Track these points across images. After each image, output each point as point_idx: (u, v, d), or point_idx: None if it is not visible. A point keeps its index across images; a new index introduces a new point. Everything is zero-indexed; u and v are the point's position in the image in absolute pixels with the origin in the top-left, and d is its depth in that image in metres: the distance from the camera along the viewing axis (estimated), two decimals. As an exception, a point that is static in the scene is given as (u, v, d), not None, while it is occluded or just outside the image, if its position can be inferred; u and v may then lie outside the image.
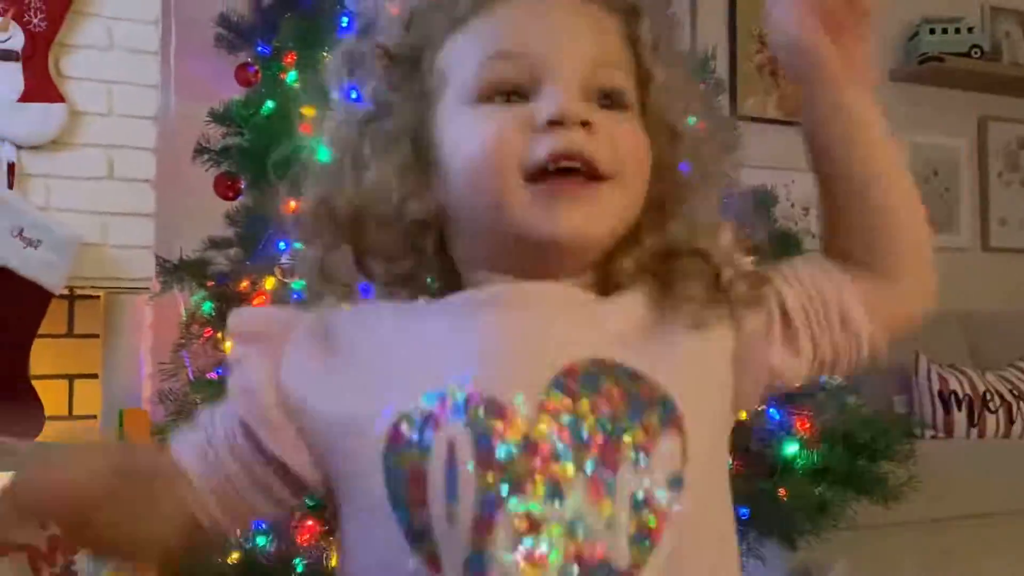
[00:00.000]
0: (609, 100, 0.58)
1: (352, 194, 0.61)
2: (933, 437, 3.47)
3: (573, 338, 0.57)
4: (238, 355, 0.59)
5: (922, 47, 4.06)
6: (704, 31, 3.99)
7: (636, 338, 0.59)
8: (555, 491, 0.50)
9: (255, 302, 2.54)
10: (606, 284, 0.61)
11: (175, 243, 2.69)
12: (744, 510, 2.22)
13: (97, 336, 2.30)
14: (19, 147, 2.10)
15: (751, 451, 2.29)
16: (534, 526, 0.50)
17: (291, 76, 2.54)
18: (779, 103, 4.15)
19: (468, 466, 0.50)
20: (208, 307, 2.74)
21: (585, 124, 0.55)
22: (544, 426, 0.52)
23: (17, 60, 2.09)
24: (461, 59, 0.59)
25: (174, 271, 2.67)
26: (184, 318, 2.77)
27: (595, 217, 0.56)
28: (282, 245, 2.45)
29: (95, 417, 2.19)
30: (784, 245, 2.46)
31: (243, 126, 2.66)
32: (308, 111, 2.52)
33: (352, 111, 0.64)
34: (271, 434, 0.57)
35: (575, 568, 0.50)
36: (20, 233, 2.04)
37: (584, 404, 0.53)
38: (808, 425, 2.35)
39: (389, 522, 0.51)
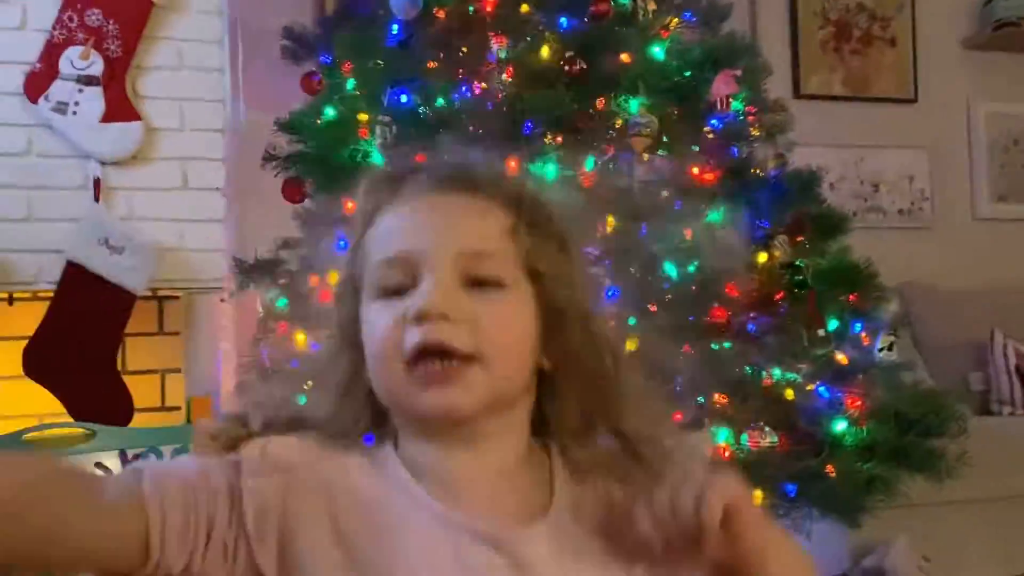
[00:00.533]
0: (481, 284, 0.66)
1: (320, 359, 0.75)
2: (1011, 413, 3.39)
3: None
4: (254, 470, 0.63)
5: (997, 13, 3.93)
6: (765, 11, 3.96)
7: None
8: None
9: (322, 297, 2.72)
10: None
11: (250, 246, 2.89)
12: (791, 487, 2.26)
13: (178, 333, 2.51)
14: (103, 163, 2.32)
15: (798, 429, 2.31)
16: None
17: (349, 84, 2.69)
18: (845, 80, 4.08)
19: None
20: (282, 303, 2.92)
21: (444, 316, 0.64)
22: None
23: (98, 84, 2.29)
24: (365, 263, 0.69)
25: (250, 271, 2.87)
26: (260, 314, 2.97)
27: (460, 395, 0.64)
28: (343, 243, 2.62)
29: (180, 408, 2.38)
30: (829, 224, 2.48)
31: (306, 133, 2.83)
32: (363, 117, 2.68)
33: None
34: (260, 548, 0.61)
35: None
36: (106, 242, 2.25)
37: None
38: (858, 403, 2.35)
39: None
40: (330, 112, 2.74)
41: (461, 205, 0.68)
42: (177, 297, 2.50)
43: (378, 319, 0.67)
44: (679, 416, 2.18)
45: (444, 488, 0.66)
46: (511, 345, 0.67)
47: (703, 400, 2.22)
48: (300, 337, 2.78)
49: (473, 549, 0.64)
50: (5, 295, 2.44)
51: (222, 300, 2.57)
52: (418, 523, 0.64)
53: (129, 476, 0.59)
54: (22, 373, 2.28)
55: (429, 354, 0.64)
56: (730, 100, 2.62)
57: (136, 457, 1.49)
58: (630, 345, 2.28)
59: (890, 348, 2.59)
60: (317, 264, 2.78)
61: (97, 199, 2.30)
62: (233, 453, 0.63)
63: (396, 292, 0.66)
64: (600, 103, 2.39)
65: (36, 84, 2.26)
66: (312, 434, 0.68)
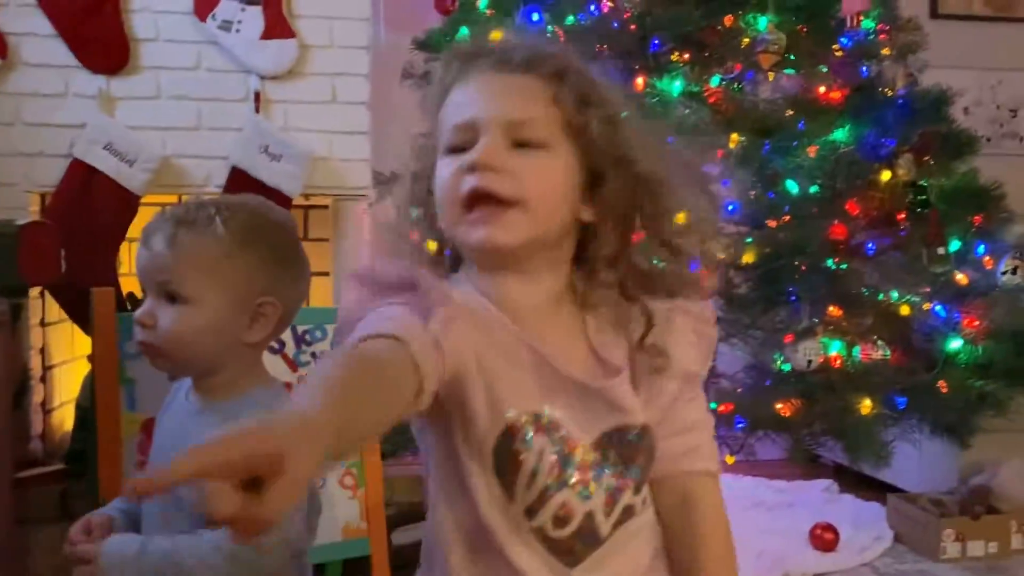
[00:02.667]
0: (525, 146, 0.79)
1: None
2: None
3: (628, 408, 0.83)
4: (440, 318, 0.75)
5: None
6: (904, -72, 3.81)
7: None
8: (585, 496, 0.81)
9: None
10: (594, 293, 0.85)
11: (387, 159, 3.09)
12: (901, 400, 2.32)
13: (327, 240, 2.74)
14: (262, 77, 2.53)
15: (912, 345, 2.36)
16: (566, 508, 0.80)
17: (482, 3, 2.80)
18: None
19: (546, 468, 0.79)
20: (415, 213, 3.13)
21: (491, 168, 0.78)
22: (590, 457, 0.81)
23: (258, 4, 2.49)
24: (442, 128, 0.83)
25: (387, 183, 3.08)
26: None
27: (501, 233, 0.78)
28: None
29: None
30: (956, 145, 2.46)
31: (442, 51, 2.97)
32: (496, 35, 2.80)
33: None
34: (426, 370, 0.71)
35: (579, 531, 0.80)
36: (266, 149, 2.48)
37: (622, 450, 0.82)
38: (976, 322, 2.37)
39: (488, 473, 0.79)
40: (464, 30, 2.88)
41: (511, 82, 0.82)
42: (324, 207, 2.72)
43: (444, 170, 0.81)
44: (790, 336, 2.27)
45: (505, 310, 0.81)
46: (548, 193, 0.79)
47: (817, 312, 2.29)
48: (431, 244, 3.00)
49: (581, 395, 0.81)
50: (174, 198, 2.72)
51: (369, 205, 2.78)
52: (522, 356, 0.80)
53: (397, 347, 0.68)
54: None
55: (479, 199, 0.78)
56: (861, 18, 2.61)
57: (305, 332, 1.71)
58: (747, 258, 2.37)
59: (1014, 272, 2.58)
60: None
61: (257, 111, 2.52)
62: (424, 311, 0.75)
63: (461, 150, 0.80)
64: (728, 20, 2.43)
65: (204, 3, 2.48)
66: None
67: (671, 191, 0.83)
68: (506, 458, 0.78)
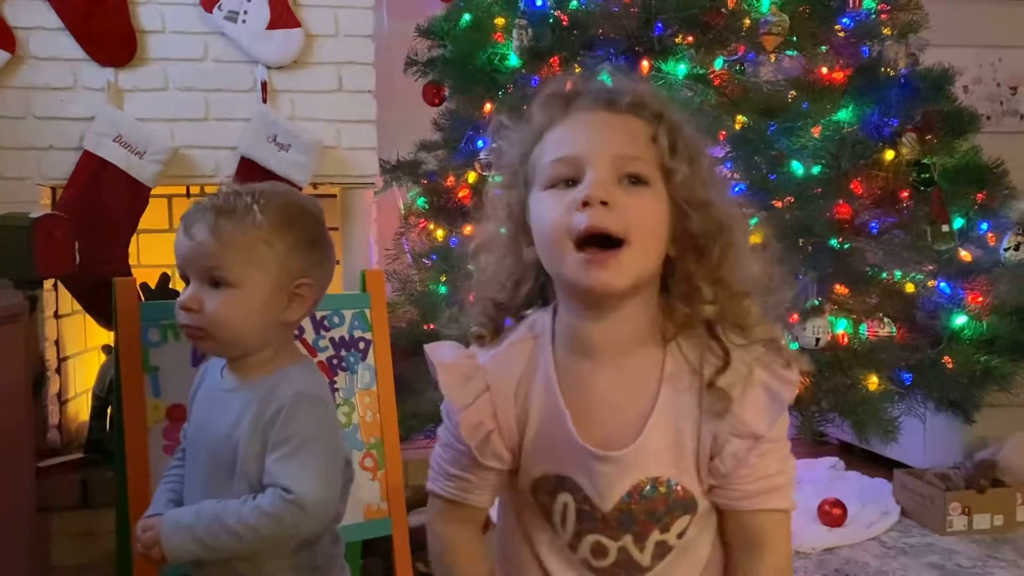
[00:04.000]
0: (633, 180, 0.83)
1: (497, 235, 0.94)
2: None
3: (645, 466, 0.87)
4: (472, 439, 0.91)
5: None
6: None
7: (676, 455, 0.87)
8: (614, 538, 0.88)
9: (460, 195, 2.91)
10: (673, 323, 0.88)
11: (392, 147, 3.11)
12: (907, 376, 2.36)
13: (336, 229, 2.75)
14: (269, 67, 2.54)
15: (917, 321, 2.39)
16: (600, 544, 0.88)
17: (485, -10, 2.81)
18: (989, -23, 3.91)
19: (572, 517, 0.88)
20: (422, 202, 3.15)
21: (603, 203, 0.81)
22: (612, 517, 0.87)
23: (263, -6, 2.50)
24: (538, 162, 0.88)
25: (392, 171, 3.10)
26: (402, 211, 3.20)
27: (616, 275, 0.82)
28: (480, 143, 2.79)
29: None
30: (959, 123, 2.48)
31: (445, 38, 2.99)
32: (499, 21, 2.81)
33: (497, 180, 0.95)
34: (506, 462, 0.92)
35: (618, 562, 0.88)
36: (274, 139, 2.49)
37: (640, 505, 0.87)
38: (980, 298, 2.40)
39: (535, 506, 0.90)
40: (467, 17, 2.89)
41: (616, 120, 0.86)
42: (333, 195, 2.74)
43: (551, 205, 0.84)
44: (795, 316, 2.29)
45: (584, 348, 0.87)
46: (652, 230, 0.83)
47: (824, 291, 2.32)
48: (439, 232, 3.01)
49: (597, 462, 0.86)
50: (183, 189, 2.74)
51: (374, 197, 2.80)
52: (552, 416, 0.88)
53: (463, 515, 0.97)
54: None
55: (592, 237, 0.81)
56: (862, -2, 2.63)
57: (324, 318, 1.73)
58: (754, 239, 2.40)
59: (1016, 248, 2.61)
60: (455, 166, 2.98)
61: (264, 100, 2.53)
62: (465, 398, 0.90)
63: (564, 184, 0.84)
64: (731, 2, 2.44)
65: (210, -5, 2.49)
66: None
67: (740, 234, 0.87)
68: (541, 502, 0.89)
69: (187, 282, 1.10)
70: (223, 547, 1.03)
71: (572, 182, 0.83)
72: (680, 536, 0.88)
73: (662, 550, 0.87)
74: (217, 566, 1.09)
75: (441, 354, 0.91)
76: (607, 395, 0.86)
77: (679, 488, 0.87)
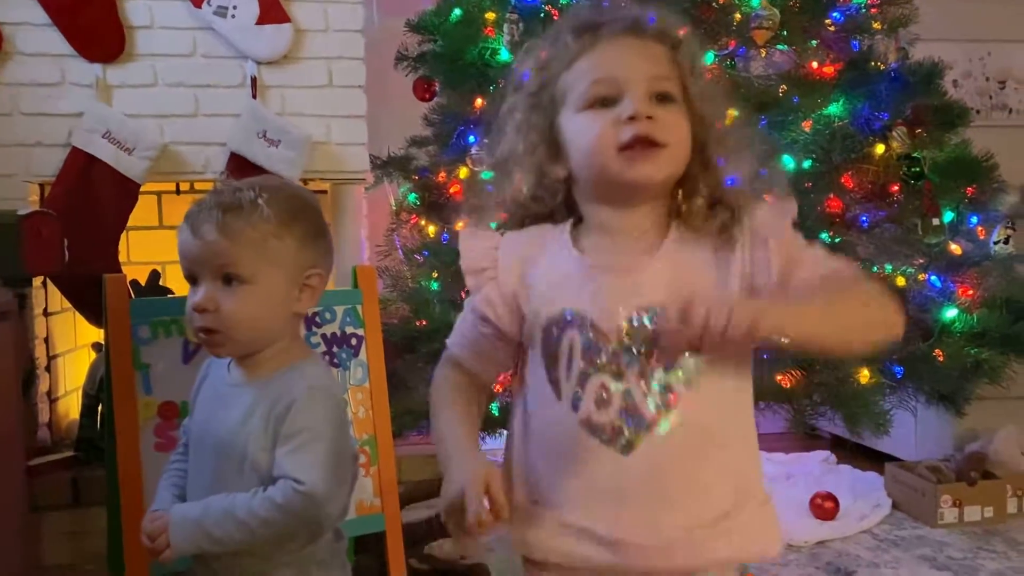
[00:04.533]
0: (663, 99, 0.94)
1: (518, 153, 1.02)
2: None
3: (647, 289, 0.94)
4: (475, 284, 1.03)
5: None
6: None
7: (684, 284, 0.93)
8: (618, 376, 0.92)
9: (452, 191, 2.90)
10: (678, 212, 0.98)
11: (383, 143, 3.10)
12: (898, 368, 2.36)
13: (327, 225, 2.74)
14: (258, 63, 2.53)
15: (908, 315, 2.40)
16: (604, 387, 0.92)
17: (476, -18, 2.80)
18: (977, -27, 3.92)
19: (578, 356, 0.93)
20: (413, 198, 3.14)
21: (649, 117, 0.92)
22: (621, 342, 0.92)
23: (253, -11, 2.49)
24: (572, 86, 0.97)
25: (383, 167, 3.08)
26: (393, 207, 3.19)
27: (657, 168, 0.93)
28: (471, 139, 2.78)
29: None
30: (949, 117, 2.49)
31: (435, 33, 2.98)
32: (490, 16, 2.80)
33: (517, 102, 1.02)
34: (501, 319, 1.00)
35: (623, 411, 0.92)
36: (264, 135, 2.49)
37: (644, 331, 0.92)
38: (970, 291, 2.41)
39: (540, 368, 0.95)
40: (457, 12, 2.88)
41: (644, 45, 0.96)
42: (323, 191, 2.73)
43: (593, 123, 0.93)
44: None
45: (609, 236, 0.97)
46: (684, 139, 0.94)
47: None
48: (430, 228, 3.01)
49: (602, 277, 0.95)
50: (172, 186, 2.73)
51: (364, 194, 2.79)
52: (563, 260, 0.98)
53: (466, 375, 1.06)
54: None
55: (638, 143, 0.91)
56: (852, -8, 2.63)
57: (316, 314, 1.73)
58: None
59: (1006, 241, 2.62)
60: (446, 162, 2.97)
61: (254, 96, 2.52)
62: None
63: (603, 103, 0.93)
64: (722, -3, 2.44)
65: (198, -10, 2.47)
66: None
67: (735, 141, 0.99)
68: (549, 352, 0.95)
69: (194, 283, 1.08)
70: (232, 540, 1.03)
71: (609, 101, 0.93)
72: (688, 385, 0.91)
73: (667, 400, 0.90)
74: (221, 561, 1.08)
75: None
76: (619, 244, 0.96)
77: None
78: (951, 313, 2.38)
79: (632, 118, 0.91)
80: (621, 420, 0.90)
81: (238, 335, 1.08)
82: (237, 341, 1.08)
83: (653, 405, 0.90)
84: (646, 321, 0.91)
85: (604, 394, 0.91)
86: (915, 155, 2.42)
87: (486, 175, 1.06)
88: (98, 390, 2.31)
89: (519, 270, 0.99)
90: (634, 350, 0.91)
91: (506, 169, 1.02)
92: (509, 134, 1.02)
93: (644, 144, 0.91)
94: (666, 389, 0.91)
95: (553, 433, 0.94)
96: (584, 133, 0.95)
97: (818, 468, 3.09)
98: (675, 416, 0.90)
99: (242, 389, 1.10)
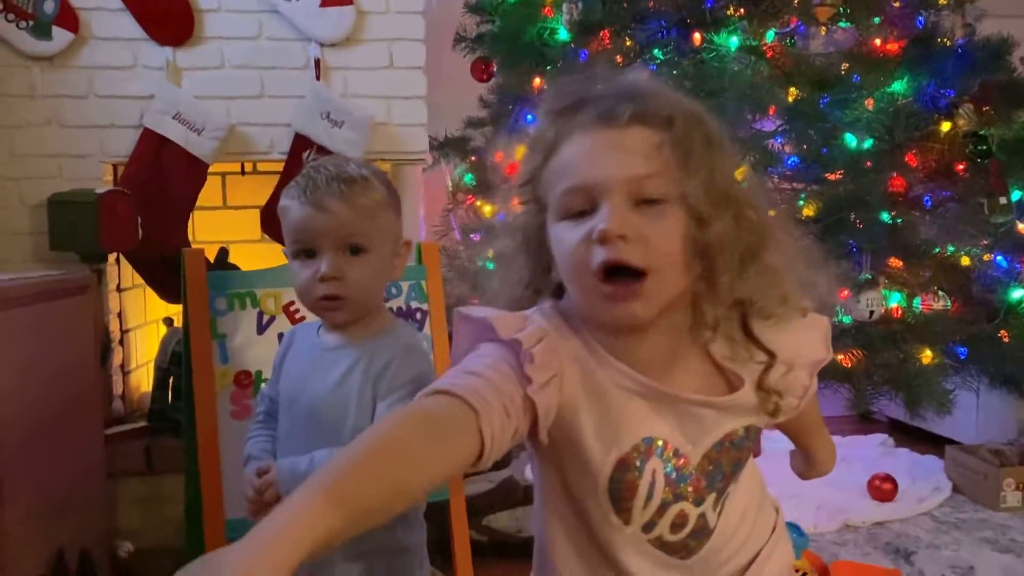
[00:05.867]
0: (646, 202, 0.77)
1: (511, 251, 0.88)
2: None
3: (735, 415, 0.85)
4: (540, 383, 0.77)
5: None
6: None
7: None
8: (700, 501, 0.84)
9: (508, 171, 2.93)
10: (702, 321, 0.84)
11: (440, 124, 3.13)
12: (962, 350, 2.34)
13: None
14: (322, 45, 2.58)
15: (973, 295, 2.37)
16: (682, 515, 0.84)
17: (533, -34, 2.81)
18: (1045, -55, 3.80)
19: (660, 487, 0.82)
20: (469, 178, 3.18)
21: (622, 237, 0.76)
22: (703, 468, 0.84)
23: (316, -28, 2.53)
24: (550, 188, 0.82)
25: (440, 147, 3.12)
26: (450, 187, 3.23)
27: (641, 306, 0.78)
28: (530, 117, 2.80)
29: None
30: (1018, 94, 2.44)
31: (494, 14, 3.00)
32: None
33: (509, 191, 0.88)
34: (542, 433, 0.79)
35: (693, 531, 0.85)
36: (327, 116, 2.53)
37: (729, 455, 0.85)
38: (1038, 272, 2.37)
39: (603, 498, 0.81)
40: (514, -7, 2.90)
41: (622, 138, 0.78)
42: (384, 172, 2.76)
43: (567, 237, 0.79)
44: (846, 292, 2.28)
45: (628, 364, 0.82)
46: (675, 253, 0.78)
47: (878, 264, 2.30)
48: (487, 208, 3.04)
49: (690, 411, 0.82)
50: (236, 167, 2.80)
51: (423, 173, 2.82)
52: (634, 393, 0.82)
53: (460, 407, 0.72)
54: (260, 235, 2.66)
55: (612, 269, 0.76)
56: (917, -32, 2.58)
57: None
58: (807, 211, 2.38)
59: (1075, 221, 2.56)
60: (502, 142, 2.99)
61: (318, 78, 2.57)
62: (517, 357, 0.78)
63: (579, 214, 0.79)
64: (784, -26, 2.42)
65: (264, -26, 2.53)
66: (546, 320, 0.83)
67: (772, 233, 0.83)
68: (621, 487, 0.81)
69: (309, 256, 1.13)
70: None
71: (587, 211, 0.78)
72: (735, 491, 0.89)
73: (723, 505, 0.87)
74: None
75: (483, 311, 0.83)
76: (664, 375, 0.82)
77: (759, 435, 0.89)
78: (1017, 294, 2.35)
79: (602, 239, 0.76)
80: (690, 538, 0.85)
81: (360, 300, 1.15)
82: (357, 306, 1.15)
83: (716, 516, 0.86)
84: (738, 440, 0.85)
85: (679, 520, 0.84)
86: (982, 133, 2.38)
87: (490, 265, 0.93)
88: (169, 363, 2.40)
89: (579, 388, 0.80)
90: (720, 475, 0.85)
91: (504, 263, 0.88)
92: (502, 228, 0.88)
93: (620, 272, 0.76)
94: (728, 497, 0.87)
95: (612, 551, 0.84)
96: (561, 250, 0.80)
97: (876, 451, 3.06)
98: (725, 519, 0.87)
99: (339, 352, 1.16)
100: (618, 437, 0.80)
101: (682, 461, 0.82)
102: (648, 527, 0.83)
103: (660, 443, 0.81)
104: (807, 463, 1.07)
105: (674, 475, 0.82)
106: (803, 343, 0.87)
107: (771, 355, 0.84)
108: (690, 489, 0.83)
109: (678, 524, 0.84)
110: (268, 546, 0.57)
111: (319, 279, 1.12)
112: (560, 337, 0.81)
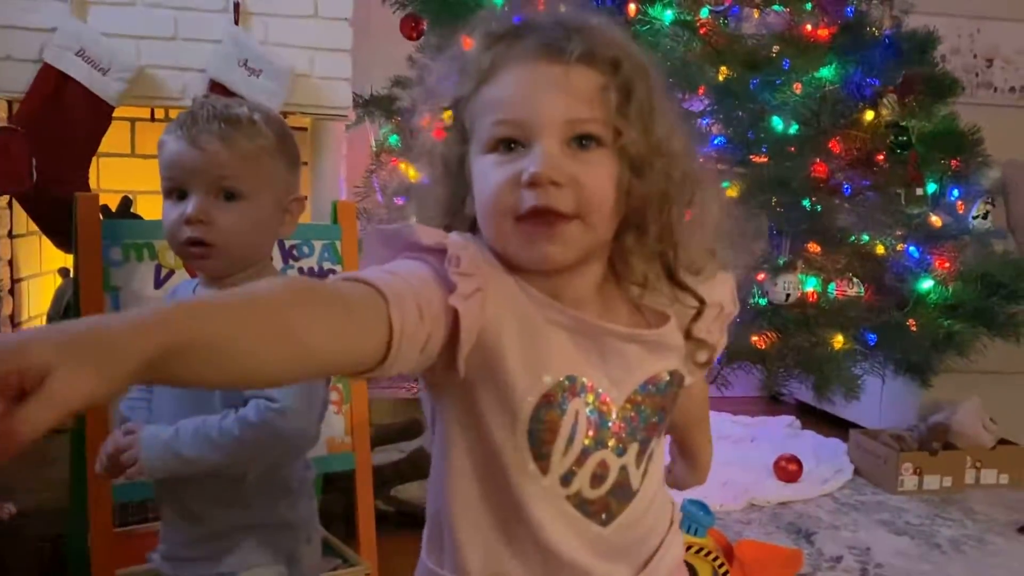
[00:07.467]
0: (583, 142, 0.74)
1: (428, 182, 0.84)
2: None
3: (663, 355, 0.81)
4: (464, 293, 0.70)
5: None
6: None
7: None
8: (621, 450, 0.79)
9: (434, 134, 2.85)
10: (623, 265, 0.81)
11: (366, 81, 3.03)
12: (872, 336, 2.38)
13: (306, 163, 2.68)
14: (242, -12, 2.45)
15: (885, 284, 2.42)
16: (603, 465, 0.78)
17: (469, -79, 2.72)
18: (971, -55, 3.90)
19: (582, 431, 0.76)
20: (394, 139, 3.08)
21: (554, 183, 0.72)
22: (625, 412, 0.79)
23: (239, -90, 2.39)
24: (478, 117, 0.76)
25: (365, 105, 3.02)
26: (373, 148, 3.13)
27: (560, 249, 0.74)
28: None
29: (304, 226, 2.57)
30: (939, 87, 2.48)
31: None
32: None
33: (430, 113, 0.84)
34: (461, 352, 0.70)
35: (614, 487, 0.80)
36: (245, 63, 2.41)
37: (652, 400, 0.80)
38: (946, 264, 2.43)
39: (522, 439, 0.75)
40: (450, -50, 2.80)
41: (566, 75, 0.74)
42: (303, 128, 2.66)
43: (492, 174, 0.74)
44: (763, 275, 2.30)
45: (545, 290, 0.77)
46: (605, 202, 0.74)
47: (796, 248, 2.33)
48: (411, 172, 2.95)
49: (616, 347, 0.78)
50: (147, 112, 2.65)
51: (345, 131, 2.72)
52: (561, 327, 0.77)
53: (369, 292, 0.66)
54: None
55: (538, 213, 0.72)
56: (850, -44, 2.60)
57: (293, 247, 1.69)
58: (730, 192, 2.39)
59: (985, 216, 2.64)
60: (430, 102, 2.91)
61: (237, 22, 2.44)
62: (440, 267, 0.71)
63: (508, 147, 0.74)
64: (721, -49, 2.40)
65: (182, -93, 2.38)
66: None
67: (704, 187, 0.80)
68: (542, 427, 0.76)
69: (180, 197, 1.05)
70: (204, 460, 1.02)
71: (516, 143, 0.74)
72: (654, 454, 0.84)
73: (645, 465, 0.82)
74: (189, 490, 1.07)
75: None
76: (592, 311, 0.78)
77: (682, 386, 0.84)
78: (927, 284, 2.41)
79: (533, 183, 0.72)
80: (610, 496, 0.79)
81: (229, 251, 1.05)
82: (226, 257, 1.06)
83: (640, 476, 0.81)
84: (663, 385, 0.81)
85: (600, 471, 0.78)
86: (903, 124, 2.42)
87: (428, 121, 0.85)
88: (63, 316, 2.26)
89: (508, 318, 0.75)
90: (642, 422, 0.80)
91: (420, 196, 0.85)
92: (420, 156, 0.84)
93: (546, 218, 0.73)
94: (651, 456, 0.82)
95: (527, 510, 0.77)
96: (483, 186, 0.76)
97: (782, 432, 3.13)
98: (646, 486, 0.82)
99: None
100: (544, 367, 0.75)
101: (605, 402, 0.77)
102: (567, 478, 0.77)
103: (584, 381, 0.76)
104: (689, 464, 1.03)
105: (596, 417, 0.77)
106: (723, 296, 0.85)
107: (701, 300, 0.82)
108: (611, 435, 0.78)
109: (599, 476, 0.78)
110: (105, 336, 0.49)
111: (184, 221, 1.03)
112: (484, 260, 0.75)
